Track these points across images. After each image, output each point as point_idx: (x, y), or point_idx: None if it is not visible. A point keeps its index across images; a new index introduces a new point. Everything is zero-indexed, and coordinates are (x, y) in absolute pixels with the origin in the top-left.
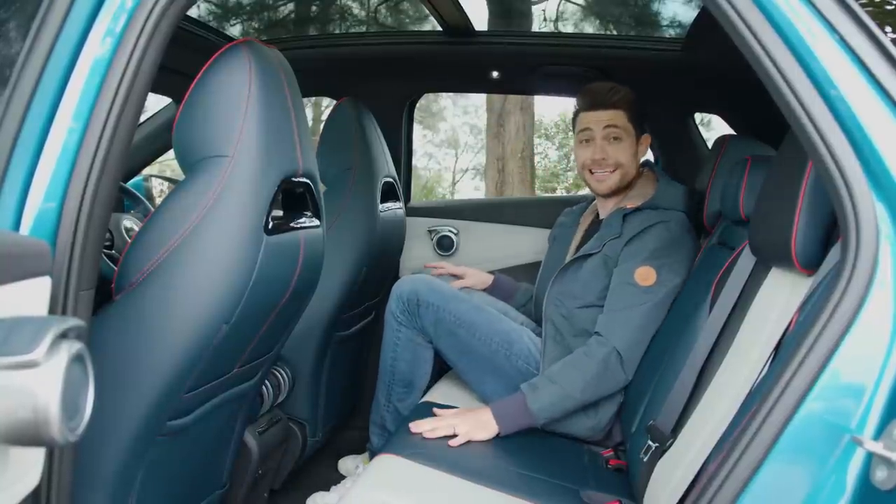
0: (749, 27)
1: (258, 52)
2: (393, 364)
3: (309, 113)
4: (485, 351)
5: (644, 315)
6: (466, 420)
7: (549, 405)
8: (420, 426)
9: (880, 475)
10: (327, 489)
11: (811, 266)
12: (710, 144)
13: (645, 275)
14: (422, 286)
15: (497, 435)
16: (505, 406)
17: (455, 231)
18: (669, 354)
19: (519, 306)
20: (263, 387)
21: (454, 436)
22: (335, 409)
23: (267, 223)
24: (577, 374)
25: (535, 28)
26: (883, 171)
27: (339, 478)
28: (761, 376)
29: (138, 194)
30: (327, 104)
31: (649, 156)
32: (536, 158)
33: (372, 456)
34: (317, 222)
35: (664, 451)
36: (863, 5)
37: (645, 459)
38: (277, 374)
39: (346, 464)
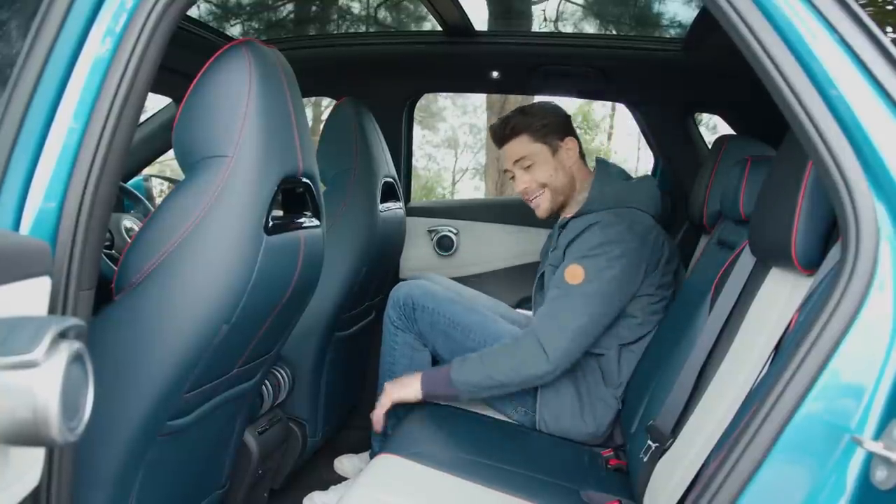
0: (749, 27)
1: (258, 52)
2: (391, 369)
3: (309, 113)
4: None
5: (570, 308)
6: (395, 383)
7: (473, 381)
8: (375, 421)
9: (880, 475)
10: (326, 489)
11: (811, 266)
12: (710, 144)
13: (573, 273)
14: (417, 290)
15: (419, 400)
16: (433, 373)
17: (455, 231)
18: (669, 354)
19: None
20: (263, 387)
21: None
22: (335, 409)
23: (267, 223)
24: (501, 358)
25: (535, 28)
26: (883, 171)
27: (339, 478)
28: (761, 376)
29: (138, 194)
30: (327, 104)
31: (649, 157)
32: None
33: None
34: (317, 222)
35: (664, 451)
36: (863, 5)
37: (645, 459)
38: (277, 374)
39: (342, 463)
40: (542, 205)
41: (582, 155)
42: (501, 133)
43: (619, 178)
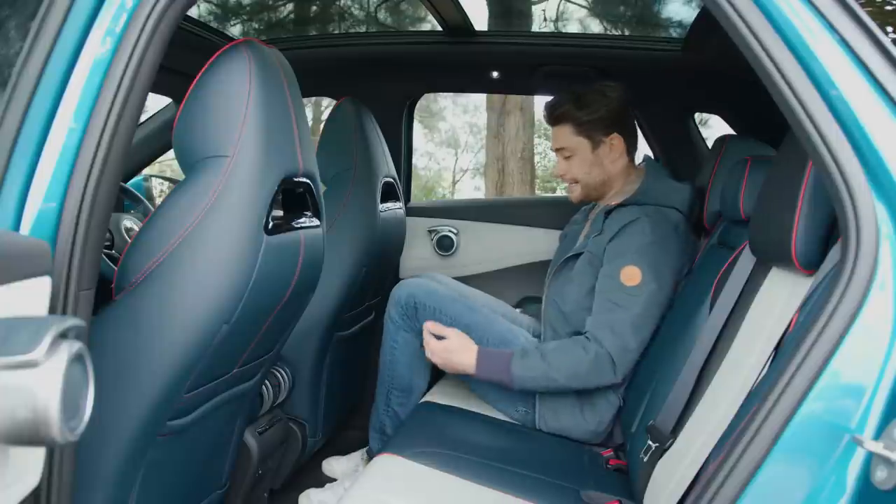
0: (749, 27)
1: (258, 52)
2: (391, 368)
3: (309, 113)
4: None
5: (634, 319)
6: (453, 349)
7: (530, 377)
8: (428, 344)
9: (880, 475)
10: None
11: (811, 266)
12: (709, 144)
13: (630, 274)
14: (419, 290)
15: (470, 375)
16: (491, 355)
17: (455, 231)
18: (669, 354)
19: None
20: (263, 387)
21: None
22: (335, 409)
23: (267, 223)
24: (567, 363)
25: (535, 28)
26: (883, 171)
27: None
28: (761, 376)
29: (138, 194)
30: (327, 104)
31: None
32: (536, 158)
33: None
34: (317, 222)
35: (664, 451)
36: (863, 5)
37: (645, 459)
38: (277, 374)
39: (331, 465)
40: (574, 193)
41: (631, 149)
42: (550, 116)
43: (667, 177)
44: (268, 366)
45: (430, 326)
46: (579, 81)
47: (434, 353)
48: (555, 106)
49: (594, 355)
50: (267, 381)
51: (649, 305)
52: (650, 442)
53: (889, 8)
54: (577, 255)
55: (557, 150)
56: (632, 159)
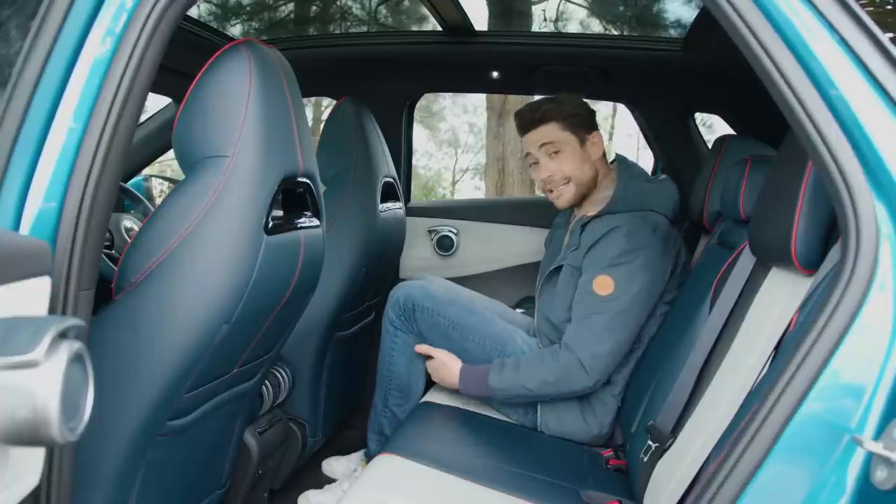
0: (749, 27)
1: (258, 52)
2: (389, 369)
3: (309, 113)
4: (478, 353)
5: (607, 323)
6: (441, 364)
7: (506, 388)
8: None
9: (880, 475)
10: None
11: (811, 266)
12: (710, 144)
13: (602, 284)
14: (417, 292)
15: (457, 390)
16: (472, 371)
17: (455, 231)
18: (669, 354)
19: None
20: (263, 387)
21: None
22: (335, 409)
23: (267, 223)
24: (538, 372)
25: (535, 28)
26: (883, 171)
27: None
28: (761, 376)
29: (138, 194)
30: (327, 104)
31: (649, 159)
32: None
33: (369, 462)
34: (317, 222)
35: (664, 451)
36: (863, 5)
37: (645, 459)
38: (277, 374)
39: (331, 465)
40: (564, 195)
41: (603, 153)
42: (531, 117)
43: (641, 179)
44: (268, 366)
45: (418, 349)
46: (579, 81)
47: (430, 371)
48: (535, 107)
49: (563, 363)
50: (267, 381)
51: (625, 310)
52: (650, 442)
53: (889, 7)
54: (559, 268)
55: (542, 147)
56: (607, 162)
